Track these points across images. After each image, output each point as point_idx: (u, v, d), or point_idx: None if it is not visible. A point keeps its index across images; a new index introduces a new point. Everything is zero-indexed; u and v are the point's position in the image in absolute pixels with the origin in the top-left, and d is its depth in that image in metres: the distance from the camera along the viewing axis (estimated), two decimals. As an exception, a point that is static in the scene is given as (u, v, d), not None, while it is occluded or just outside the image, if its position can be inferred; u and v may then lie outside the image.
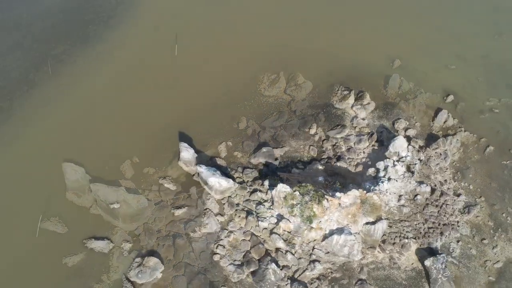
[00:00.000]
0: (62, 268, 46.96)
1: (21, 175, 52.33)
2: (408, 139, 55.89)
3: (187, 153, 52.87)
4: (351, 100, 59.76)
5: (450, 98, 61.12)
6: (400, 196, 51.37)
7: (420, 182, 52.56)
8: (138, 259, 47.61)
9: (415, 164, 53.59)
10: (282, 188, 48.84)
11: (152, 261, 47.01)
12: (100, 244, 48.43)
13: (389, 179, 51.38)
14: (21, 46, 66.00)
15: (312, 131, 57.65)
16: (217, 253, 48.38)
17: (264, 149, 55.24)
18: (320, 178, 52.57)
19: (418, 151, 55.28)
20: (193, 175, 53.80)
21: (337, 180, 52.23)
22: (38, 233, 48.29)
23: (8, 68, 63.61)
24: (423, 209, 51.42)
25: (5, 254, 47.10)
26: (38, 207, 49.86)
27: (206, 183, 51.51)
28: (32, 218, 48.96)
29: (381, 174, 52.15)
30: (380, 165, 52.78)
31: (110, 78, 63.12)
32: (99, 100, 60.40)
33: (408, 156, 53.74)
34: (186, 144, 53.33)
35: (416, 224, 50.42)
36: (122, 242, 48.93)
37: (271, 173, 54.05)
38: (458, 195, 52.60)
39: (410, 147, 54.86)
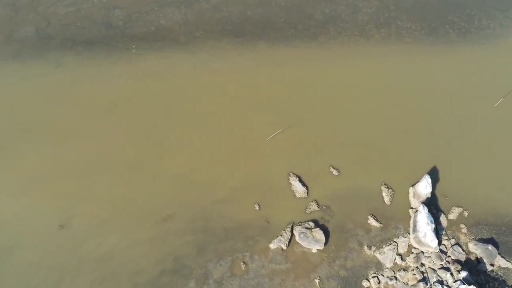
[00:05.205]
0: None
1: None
2: None
3: (424, 187, 50.47)
4: None
5: None
6: None
7: None
8: (311, 223, 49.21)
9: None
10: (473, 292, 43.69)
11: (320, 235, 48.03)
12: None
13: None
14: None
15: (551, 277, 48.86)
16: (369, 281, 46.86)
17: (489, 247, 49.11)
18: (515, 322, 45.28)
19: None
20: (411, 208, 51.49)
21: None
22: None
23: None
24: None
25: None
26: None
27: (414, 224, 48.98)
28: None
29: None
30: None
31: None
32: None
33: None
34: (430, 180, 50.74)
35: None
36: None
37: (474, 270, 48.42)
38: None
39: None
